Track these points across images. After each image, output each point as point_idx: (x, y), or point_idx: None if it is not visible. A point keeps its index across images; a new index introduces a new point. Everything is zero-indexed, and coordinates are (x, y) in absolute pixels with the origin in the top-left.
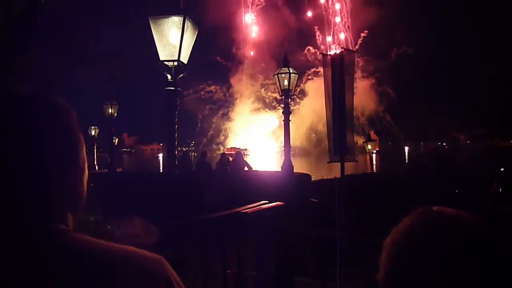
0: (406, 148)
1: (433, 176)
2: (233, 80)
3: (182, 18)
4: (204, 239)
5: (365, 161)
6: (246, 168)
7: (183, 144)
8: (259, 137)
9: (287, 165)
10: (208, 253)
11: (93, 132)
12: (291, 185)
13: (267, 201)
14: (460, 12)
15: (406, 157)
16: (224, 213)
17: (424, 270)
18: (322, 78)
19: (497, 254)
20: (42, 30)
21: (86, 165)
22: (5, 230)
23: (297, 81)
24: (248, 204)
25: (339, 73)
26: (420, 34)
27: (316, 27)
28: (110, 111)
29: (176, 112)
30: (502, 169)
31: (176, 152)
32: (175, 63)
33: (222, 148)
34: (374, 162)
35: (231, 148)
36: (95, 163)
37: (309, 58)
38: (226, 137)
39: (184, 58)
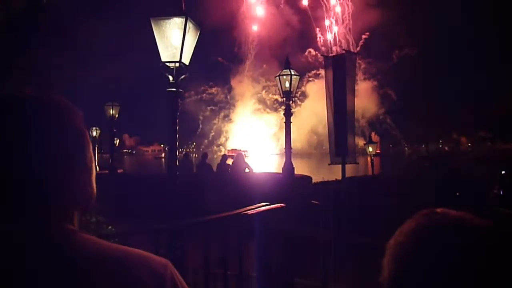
0: (407, 151)
1: (434, 179)
2: (234, 82)
3: (184, 19)
4: (205, 240)
5: (366, 163)
6: (247, 170)
7: (184, 145)
8: (260, 139)
9: (288, 167)
10: (209, 254)
11: (94, 133)
12: (292, 187)
13: (268, 203)
14: (462, 13)
15: (407, 160)
16: (225, 214)
17: (431, 272)
18: (323, 80)
19: (506, 256)
20: (43, 30)
21: (94, 165)
22: (13, 230)
23: (298, 83)
24: (249, 206)
25: (340, 75)
26: (422, 36)
27: (317, 29)
28: (111, 112)
29: (178, 113)
30: (503, 172)
31: (177, 153)
32: (177, 64)
33: (223, 149)
34: (374, 164)
35: (232, 149)
36: (96, 164)
37: (310, 59)
38: (227, 138)
39: (186, 60)
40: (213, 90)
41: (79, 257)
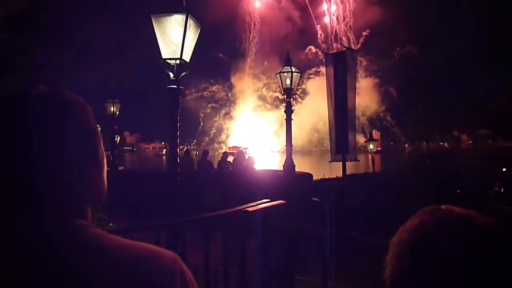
0: (408, 148)
1: (435, 176)
2: (234, 79)
3: (185, 16)
4: (206, 236)
5: (366, 161)
6: (248, 167)
7: (185, 143)
8: (261, 136)
9: (289, 164)
10: (210, 251)
11: None
12: (293, 184)
13: (269, 200)
14: (464, 12)
15: (408, 157)
16: (225, 211)
17: (436, 269)
18: (324, 77)
19: (510, 254)
20: (44, 29)
21: (105, 160)
22: (28, 226)
23: (299, 80)
24: (250, 203)
25: (341, 72)
26: (423, 33)
27: (318, 26)
28: (112, 109)
29: (178, 111)
30: (504, 170)
31: (178, 150)
32: (178, 61)
33: (224, 147)
34: (375, 161)
35: (233, 147)
36: None
37: (310, 57)
38: (228, 136)
39: (187, 57)
40: (214, 88)
41: (92, 253)
